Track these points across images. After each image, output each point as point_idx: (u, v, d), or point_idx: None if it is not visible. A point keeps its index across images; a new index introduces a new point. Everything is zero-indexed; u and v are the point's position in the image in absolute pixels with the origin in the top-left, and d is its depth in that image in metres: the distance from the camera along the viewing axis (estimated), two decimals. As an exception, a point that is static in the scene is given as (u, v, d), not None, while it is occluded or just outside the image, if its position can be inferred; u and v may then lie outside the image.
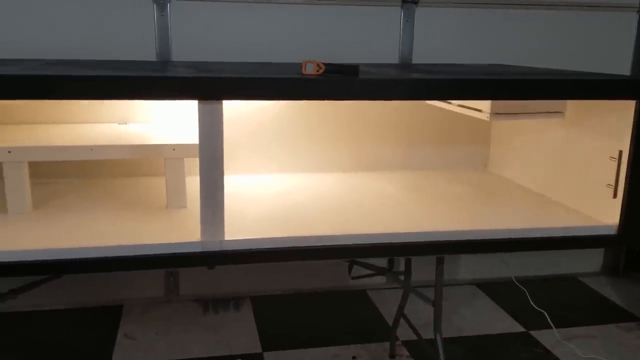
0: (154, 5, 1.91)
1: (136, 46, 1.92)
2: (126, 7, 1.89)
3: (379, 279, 2.28)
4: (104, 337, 1.92)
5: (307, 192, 1.66)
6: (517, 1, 2.14)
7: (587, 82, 1.30)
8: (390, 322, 2.00)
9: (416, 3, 2.08)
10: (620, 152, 1.38)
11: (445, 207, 1.54)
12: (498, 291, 2.30)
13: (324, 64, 1.24)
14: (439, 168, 1.98)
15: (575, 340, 1.96)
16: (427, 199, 1.61)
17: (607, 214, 1.44)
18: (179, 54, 1.96)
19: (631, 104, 1.34)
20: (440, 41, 2.13)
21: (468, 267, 2.38)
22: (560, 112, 1.48)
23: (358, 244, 1.29)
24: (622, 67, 2.30)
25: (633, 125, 1.34)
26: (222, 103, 1.18)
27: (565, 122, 1.57)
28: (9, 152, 1.37)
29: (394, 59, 2.11)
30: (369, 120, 1.94)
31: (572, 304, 2.23)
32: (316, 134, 1.91)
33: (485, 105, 1.43)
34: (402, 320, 1.78)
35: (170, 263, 1.25)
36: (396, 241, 1.32)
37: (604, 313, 2.17)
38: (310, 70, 1.25)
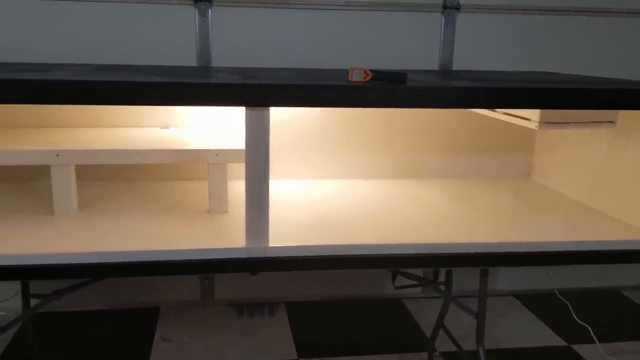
0: (196, 11, 1.92)
1: (177, 51, 1.94)
2: (168, 13, 1.91)
3: (415, 288, 2.25)
4: (141, 339, 1.93)
5: (346, 198, 1.65)
6: (560, 7, 2.10)
7: (643, 92, 1.26)
8: (427, 332, 1.97)
9: (458, 9, 2.05)
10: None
11: (489, 217, 1.51)
12: (538, 303, 2.24)
13: (371, 70, 1.23)
14: (480, 176, 1.94)
15: (619, 355, 1.90)
16: (469, 208, 1.58)
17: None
18: (219, 59, 1.97)
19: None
20: (480, 47, 2.10)
21: (506, 278, 2.34)
22: (612, 122, 1.44)
23: (403, 254, 1.27)
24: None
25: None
26: (269, 110, 1.18)
27: (612, 130, 1.53)
28: (57, 155, 1.39)
29: (434, 65, 2.09)
30: (408, 127, 1.91)
31: (616, 318, 2.17)
32: (354, 140, 1.90)
33: (533, 114, 1.40)
34: (440, 331, 1.75)
35: (215, 269, 1.25)
36: (441, 252, 1.30)
37: (649, 328, 2.11)
38: (357, 77, 1.23)
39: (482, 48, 2.10)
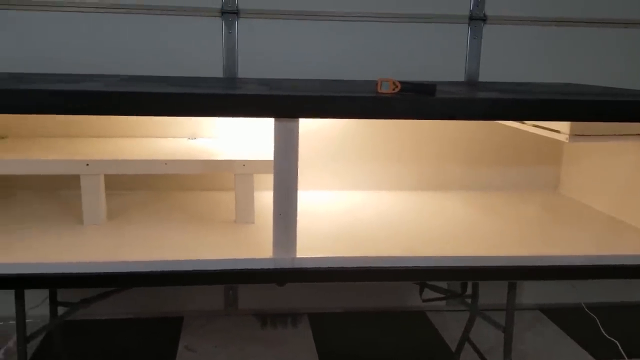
0: (223, 22, 1.94)
1: (204, 63, 1.95)
2: (195, 25, 1.93)
3: (439, 301, 2.22)
4: (165, 348, 1.94)
5: (372, 210, 1.65)
6: (586, 19, 2.08)
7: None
8: (451, 346, 1.95)
9: (484, 20, 2.04)
10: None
11: (517, 230, 1.49)
12: (564, 317, 2.20)
13: (399, 82, 1.23)
14: (506, 189, 1.93)
15: (649, 373, 1.86)
16: (497, 220, 1.56)
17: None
18: (245, 71, 1.98)
19: None
20: (507, 59, 2.08)
21: (532, 291, 2.30)
22: (643, 135, 1.42)
23: (431, 267, 1.26)
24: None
25: None
26: (298, 121, 1.18)
27: (643, 143, 1.51)
28: (87, 164, 1.41)
29: (460, 77, 2.08)
30: (434, 138, 1.91)
31: (646, 334, 2.12)
32: (379, 151, 1.89)
33: (564, 126, 1.39)
34: (465, 344, 1.73)
35: (242, 279, 1.25)
36: (469, 265, 1.28)
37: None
38: (385, 88, 1.23)
39: (508, 59, 2.08)
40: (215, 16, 1.94)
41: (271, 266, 1.23)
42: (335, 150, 1.88)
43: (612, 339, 1.99)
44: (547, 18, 2.06)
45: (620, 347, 1.95)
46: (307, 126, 1.86)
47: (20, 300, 1.34)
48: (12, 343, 1.86)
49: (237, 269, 1.23)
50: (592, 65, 2.12)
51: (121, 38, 1.90)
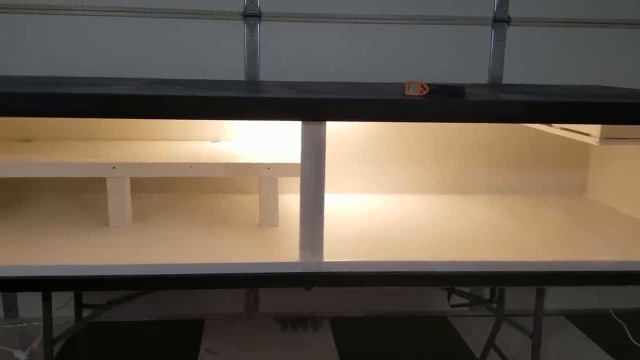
0: (245, 25, 1.94)
1: (225, 66, 1.95)
2: (217, 28, 1.93)
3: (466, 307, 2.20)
4: (187, 351, 1.94)
5: (394, 213, 1.63)
6: (610, 20, 2.05)
7: None
8: (475, 351, 1.93)
9: (508, 22, 2.02)
10: None
11: (544, 234, 1.47)
12: (590, 323, 2.17)
13: (428, 84, 1.21)
14: (531, 192, 1.90)
15: (679, 381, 1.82)
16: (523, 225, 1.54)
17: None
18: (266, 74, 1.98)
19: None
20: (530, 61, 2.06)
21: (555, 296, 2.26)
22: (674, 137, 1.39)
23: (461, 272, 1.24)
24: None
25: None
26: (325, 124, 1.17)
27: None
28: (114, 167, 1.42)
29: (483, 79, 2.06)
30: (456, 141, 1.89)
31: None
32: (400, 154, 1.88)
33: (593, 129, 1.36)
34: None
35: (269, 283, 1.24)
36: (498, 270, 1.27)
37: None
38: (413, 91, 1.22)
39: (531, 61, 2.06)
40: (238, 19, 1.94)
41: (298, 270, 1.22)
42: (355, 153, 1.87)
43: (640, 346, 1.96)
44: (570, 20, 2.04)
45: (648, 354, 1.91)
46: (328, 129, 1.85)
47: (47, 302, 1.35)
48: (36, 344, 1.87)
49: (264, 273, 1.23)
50: (615, 66, 2.08)
51: (143, 41, 1.91)
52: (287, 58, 1.97)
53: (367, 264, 1.23)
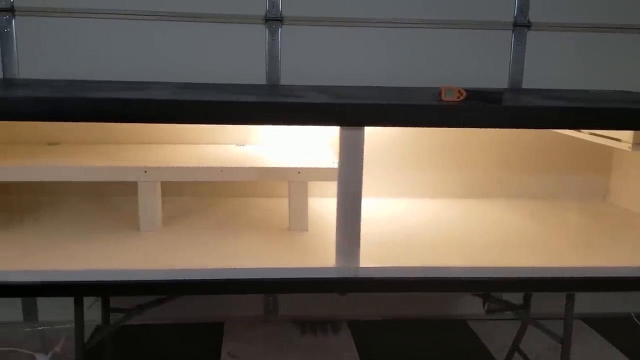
0: (266, 29, 1.94)
1: (246, 70, 1.95)
2: (238, 32, 1.93)
3: (479, 309, 2.20)
4: (209, 354, 1.93)
5: (421, 217, 1.64)
6: (631, 25, 2.06)
7: None
8: (495, 355, 1.93)
9: (528, 27, 2.03)
10: None
11: (571, 240, 1.47)
12: (610, 328, 2.16)
13: (465, 90, 1.22)
14: (554, 197, 1.90)
15: (701, 385, 1.83)
16: (551, 230, 1.55)
17: None
18: (287, 78, 1.98)
19: None
20: (550, 65, 2.06)
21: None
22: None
23: (496, 278, 1.24)
24: None
25: None
26: (364, 129, 1.17)
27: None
28: (145, 171, 1.42)
29: (503, 83, 2.06)
30: (478, 144, 1.89)
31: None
32: (423, 159, 1.88)
33: (625, 134, 1.37)
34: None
35: (304, 288, 1.24)
36: (532, 276, 1.27)
37: None
38: (450, 96, 1.22)
39: (551, 66, 2.06)
40: (259, 23, 1.94)
41: (335, 275, 1.22)
42: (376, 157, 1.87)
43: (662, 351, 1.96)
44: (590, 24, 2.04)
45: (670, 359, 1.91)
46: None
47: (79, 307, 1.34)
48: (58, 348, 1.87)
49: (300, 278, 1.23)
50: (635, 71, 2.09)
51: (164, 45, 1.91)
52: (308, 62, 1.97)
53: (404, 269, 1.23)
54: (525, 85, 2.07)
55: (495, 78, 2.05)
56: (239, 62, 1.95)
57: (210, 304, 2.14)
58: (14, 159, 1.48)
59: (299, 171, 1.47)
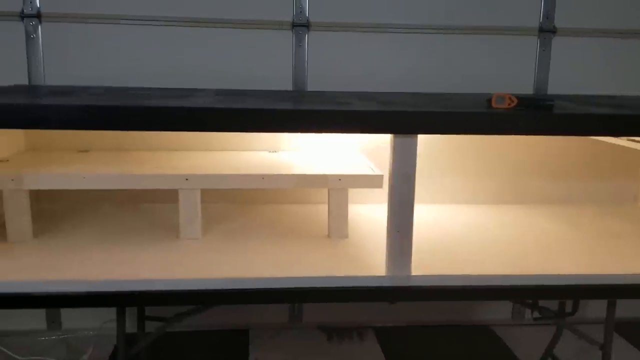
0: (293, 35, 1.94)
1: (273, 75, 1.94)
2: (265, 38, 1.92)
3: (504, 314, 2.21)
4: (237, 361, 1.92)
5: (461, 224, 1.63)
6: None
7: None
8: (524, 360, 1.93)
9: (554, 32, 2.04)
10: None
11: (609, 245, 1.47)
12: (635, 332, 2.17)
13: (516, 97, 1.22)
14: (585, 202, 1.91)
15: None
16: (587, 236, 1.55)
17: None
18: (313, 84, 1.97)
19: None
20: (575, 71, 2.07)
21: (594, 304, 2.26)
22: None
23: (546, 285, 1.24)
24: None
25: None
26: (417, 137, 1.17)
27: None
28: (187, 179, 1.40)
29: (528, 89, 2.07)
30: (513, 151, 1.89)
31: None
32: (459, 165, 1.88)
33: (667, 141, 1.37)
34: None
35: (354, 297, 1.23)
36: (580, 283, 1.27)
37: None
38: (500, 103, 1.22)
39: (576, 71, 2.07)
40: (286, 29, 1.93)
41: (386, 284, 1.21)
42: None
43: (690, 355, 1.96)
44: (616, 30, 2.05)
45: (698, 364, 1.92)
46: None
47: (121, 316, 1.33)
48: (86, 356, 1.85)
49: (349, 287, 1.22)
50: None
51: (190, 51, 1.90)
52: (334, 67, 1.97)
53: (456, 277, 1.23)
54: (550, 91, 2.08)
55: (521, 83, 2.05)
56: (266, 67, 1.94)
57: (236, 312, 2.13)
58: (50, 166, 1.47)
59: (339, 178, 1.46)
